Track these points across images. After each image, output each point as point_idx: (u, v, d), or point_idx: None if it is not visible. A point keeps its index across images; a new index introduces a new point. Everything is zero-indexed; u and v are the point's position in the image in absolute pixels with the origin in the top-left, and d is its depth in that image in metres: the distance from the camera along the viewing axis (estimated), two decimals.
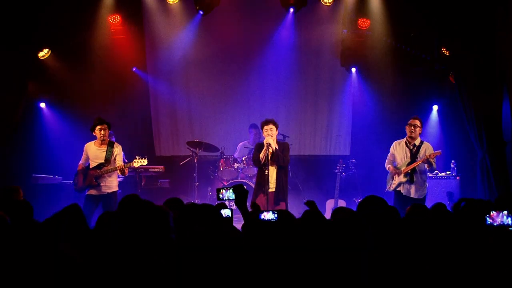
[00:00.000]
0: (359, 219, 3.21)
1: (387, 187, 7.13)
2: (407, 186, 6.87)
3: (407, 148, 6.96)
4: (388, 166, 7.10)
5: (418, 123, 6.90)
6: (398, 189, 6.94)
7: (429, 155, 6.73)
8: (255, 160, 6.87)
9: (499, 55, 7.95)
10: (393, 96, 9.48)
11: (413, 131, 6.90)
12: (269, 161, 6.77)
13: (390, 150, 7.15)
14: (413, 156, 6.87)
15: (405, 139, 7.02)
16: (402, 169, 6.89)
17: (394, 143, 7.15)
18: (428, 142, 7.14)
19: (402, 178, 6.89)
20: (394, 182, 6.98)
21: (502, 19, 7.85)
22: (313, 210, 4.18)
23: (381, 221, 3.16)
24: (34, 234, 2.38)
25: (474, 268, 2.56)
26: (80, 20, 8.87)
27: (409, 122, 6.95)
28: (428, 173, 7.29)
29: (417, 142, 6.93)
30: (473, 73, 8.11)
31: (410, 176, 6.84)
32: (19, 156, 8.82)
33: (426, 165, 6.82)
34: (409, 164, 6.86)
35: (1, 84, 7.90)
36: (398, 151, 7.03)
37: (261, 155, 6.73)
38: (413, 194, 6.84)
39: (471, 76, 8.13)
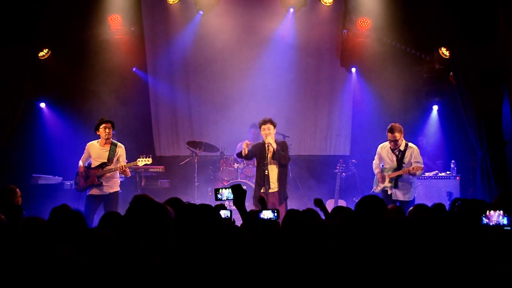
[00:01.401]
0: (358, 219, 3.21)
1: (374, 187, 7.15)
2: (395, 190, 6.88)
3: (392, 154, 6.91)
4: (376, 170, 7.10)
5: (397, 136, 6.73)
6: (385, 189, 6.95)
7: (410, 170, 6.67)
8: (238, 154, 7.07)
9: (499, 55, 7.94)
10: (393, 96, 9.47)
11: (394, 146, 6.81)
12: (270, 160, 6.79)
13: (377, 153, 7.11)
14: (399, 161, 6.83)
15: (388, 144, 6.94)
16: (388, 174, 6.88)
17: (379, 146, 7.10)
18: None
19: (387, 183, 6.90)
20: (380, 185, 7.00)
21: (502, 19, 7.84)
22: (322, 209, 4.28)
23: (381, 221, 3.16)
24: (33, 234, 2.38)
25: (471, 267, 2.56)
26: (80, 20, 8.87)
27: (388, 137, 6.81)
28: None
29: (402, 146, 6.84)
30: (473, 73, 8.10)
31: (395, 182, 6.85)
32: (19, 156, 8.82)
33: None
34: (395, 170, 6.84)
35: (1, 84, 7.91)
36: (384, 155, 6.99)
37: (243, 152, 6.93)
38: (400, 197, 6.84)
39: (471, 76, 8.12)
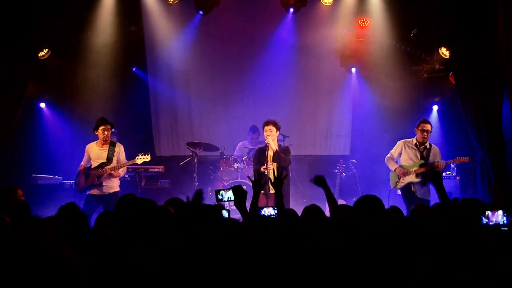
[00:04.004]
0: (360, 218, 3.21)
1: (392, 185, 7.12)
2: (419, 187, 6.90)
3: (417, 150, 6.96)
4: (393, 166, 7.09)
5: (430, 127, 6.93)
6: (407, 187, 6.96)
7: (444, 164, 6.80)
8: (255, 171, 7.01)
9: (500, 55, 7.94)
10: (393, 96, 9.48)
11: (426, 137, 6.91)
12: (270, 162, 6.80)
13: (396, 148, 7.13)
14: (424, 158, 6.90)
15: (415, 140, 7.02)
16: (414, 169, 6.90)
17: (402, 142, 7.12)
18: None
19: (414, 178, 6.90)
20: (402, 181, 6.97)
21: (503, 19, 7.84)
22: (323, 186, 4.09)
23: (380, 221, 3.16)
24: (33, 234, 2.38)
25: (471, 267, 2.56)
26: (80, 20, 8.87)
27: (421, 127, 6.91)
28: None
29: (427, 144, 6.97)
30: (473, 73, 8.10)
31: (423, 178, 6.86)
32: (19, 156, 8.82)
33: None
34: (422, 165, 6.87)
35: (1, 84, 7.91)
36: (407, 151, 7.03)
37: (261, 169, 6.81)
38: (426, 195, 6.87)
39: (471, 76, 8.13)
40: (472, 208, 3.36)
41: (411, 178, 6.91)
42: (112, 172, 6.90)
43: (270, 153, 6.86)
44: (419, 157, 6.93)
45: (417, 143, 6.98)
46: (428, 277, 2.53)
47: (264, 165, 6.82)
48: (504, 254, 2.66)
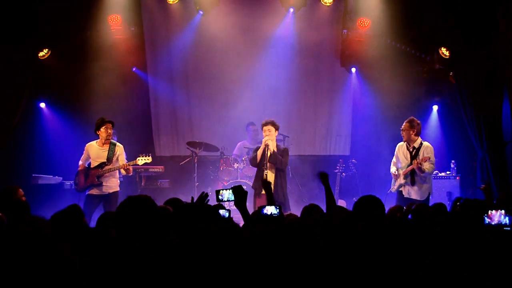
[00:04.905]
0: (355, 221, 3.22)
1: (391, 188, 7.17)
2: (408, 187, 6.89)
3: (407, 151, 6.97)
4: (391, 169, 7.15)
5: (406, 126, 6.87)
6: (400, 189, 6.99)
7: (418, 162, 6.71)
8: (252, 159, 6.98)
9: (499, 55, 7.94)
10: (393, 96, 9.48)
11: (404, 136, 6.92)
12: (268, 162, 6.80)
13: (395, 152, 7.18)
14: (413, 158, 6.87)
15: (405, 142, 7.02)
16: (402, 171, 6.93)
17: (397, 145, 7.16)
18: (428, 142, 7.09)
19: (401, 180, 6.92)
20: (396, 183, 7.02)
21: (502, 19, 7.85)
22: (324, 184, 4.18)
23: (378, 221, 3.16)
24: (33, 234, 2.37)
25: (472, 267, 2.56)
26: (80, 20, 8.87)
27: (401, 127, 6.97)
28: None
29: (416, 144, 6.90)
30: (473, 73, 8.11)
31: (411, 178, 6.85)
32: (19, 156, 8.82)
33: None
34: (408, 166, 6.88)
35: (1, 84, 7.91)
36: (400, 153, 7.05)
37: (258, 152, 6.82)
38: (413, 195, 6.83)
39: (471, 76, 8.13)
40: (474, 208, 3.36)
41: (400, 180, 6.95)
42: (122, 170, 6.91)
43: (268, 153, 6.84)
44: (409, 158, 6.93)
45: (407, 144, 6.99)
46: (428, 277, 2.53)
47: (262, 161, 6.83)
48: (506, 254, 2.66)
